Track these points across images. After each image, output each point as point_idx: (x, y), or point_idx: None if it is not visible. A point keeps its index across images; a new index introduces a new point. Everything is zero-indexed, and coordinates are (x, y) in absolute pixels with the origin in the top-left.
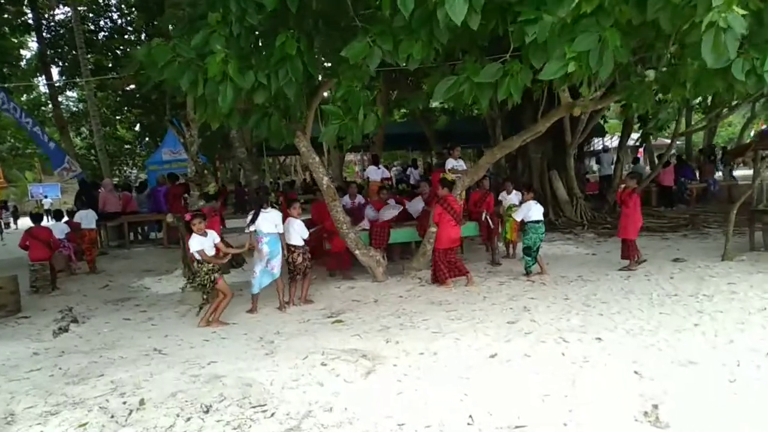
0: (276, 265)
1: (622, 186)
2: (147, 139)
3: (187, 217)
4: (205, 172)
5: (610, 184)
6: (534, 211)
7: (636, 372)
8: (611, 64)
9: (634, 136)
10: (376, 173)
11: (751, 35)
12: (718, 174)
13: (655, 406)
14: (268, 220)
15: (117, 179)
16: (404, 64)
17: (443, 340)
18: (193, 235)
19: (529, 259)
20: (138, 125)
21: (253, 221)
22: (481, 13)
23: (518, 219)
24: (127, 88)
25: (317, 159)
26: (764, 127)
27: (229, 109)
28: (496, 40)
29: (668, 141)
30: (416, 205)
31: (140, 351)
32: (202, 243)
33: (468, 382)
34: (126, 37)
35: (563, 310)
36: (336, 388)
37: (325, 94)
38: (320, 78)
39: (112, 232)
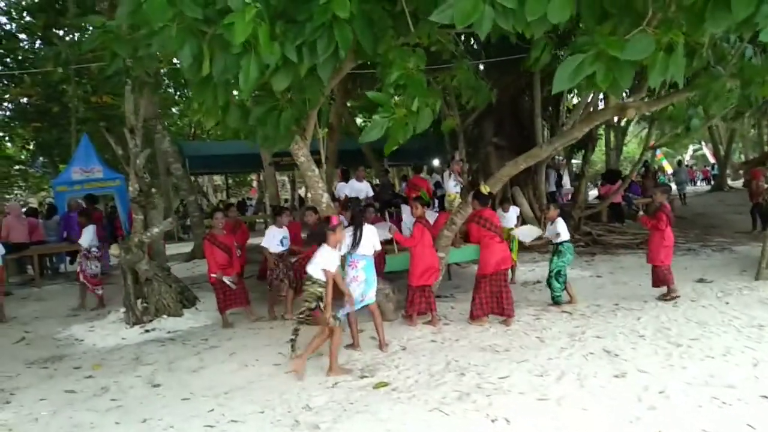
0: (370, 296)
1: (643, 208)
2: (41, 158)
3: (334, 220)
4: (153, 190)
5: (555, 201)
6: (566, 229)
7: None
8: None
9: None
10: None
11: None
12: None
13: None
14: (367, 238)
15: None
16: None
17: (563, 411)
18: (325, 246)
19: (559, 286)
20: (33, 143)
21: (357, 243)
22: None
23: (556, 242)
24: (24, 100)
25: (317, 172)
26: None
27: (227, 102)
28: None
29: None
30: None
31: None
32: (333, 260)
33: None
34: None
35: (655, 351)
36: None
37: None
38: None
39: (12, 266)
